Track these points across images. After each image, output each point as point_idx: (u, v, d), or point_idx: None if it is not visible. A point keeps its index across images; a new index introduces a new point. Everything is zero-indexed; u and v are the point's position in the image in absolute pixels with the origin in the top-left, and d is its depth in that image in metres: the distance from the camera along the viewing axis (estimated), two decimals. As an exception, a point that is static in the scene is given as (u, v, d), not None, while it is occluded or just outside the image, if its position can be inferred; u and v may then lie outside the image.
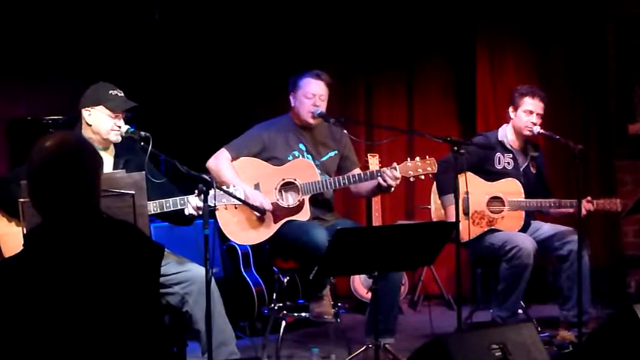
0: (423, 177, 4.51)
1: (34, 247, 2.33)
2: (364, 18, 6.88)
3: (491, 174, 5.14)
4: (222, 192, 3.79)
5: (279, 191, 4.60)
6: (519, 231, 5.07)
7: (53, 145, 2.39)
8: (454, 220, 4.26)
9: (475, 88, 6.84)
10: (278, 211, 4.56)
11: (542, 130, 5.12)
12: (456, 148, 4.25)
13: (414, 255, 3.93)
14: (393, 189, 4.54)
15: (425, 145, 6.06)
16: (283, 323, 4.74)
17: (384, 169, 4.50)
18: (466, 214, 4.45)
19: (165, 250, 2.68)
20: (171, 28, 6.54)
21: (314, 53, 6.78)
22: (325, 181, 4.62)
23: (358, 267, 4.09)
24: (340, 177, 4.64)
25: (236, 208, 4.39)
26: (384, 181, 4.47)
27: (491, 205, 5.09)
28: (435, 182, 5.11)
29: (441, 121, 6.93)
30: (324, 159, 4.79)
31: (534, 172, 5.29)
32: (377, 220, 5.96)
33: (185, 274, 3.89)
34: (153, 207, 3.86)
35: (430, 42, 6.93)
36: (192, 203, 3.87)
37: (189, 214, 3.91)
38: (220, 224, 4.53)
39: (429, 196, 5.23)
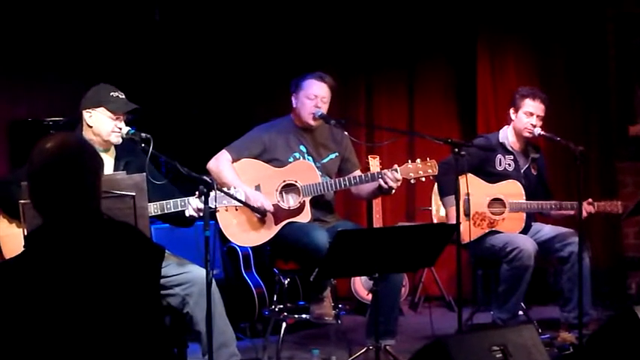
0: (423, 179, 4.51)
1: (34, 248, 2.33)
2: (364, 19, 6.88)
3: (492, 175, 5.14)
4: (222, 193, 3.79)
5: (280, 193, 4.60)
6: (520, 232, 5.07)
7: (54, 147, 2.39)
8: (455, 221, 4.25)
9: (476, 88, 6.83)
10: (279, 213, 4.56)
11: (542, 132, 5.12)
12: (456, 149, 4.25)
13: (415, 256, 3.93)
14: (393, 191, 4.54)
15: (425, 146, 6.05)
16: (284, 325, 4.74)
17: (385, 170, 4.50)
18: (467, 215, 4.44)
19: (166, 251, 2.69)
20: (172, 30, 6.54)
21: (314, 54, 6.78)
22: (326, 182, 4.62)
23: (359, 268, 4.09)
24: (341, 179, 4.64)
25: (237, 209, 4.40)
26: (385, 183, 4.47)
27: (492, 207, 5.09)
28: (435, 184, 5.11)
29: (441, 122, 6.93)
30: (324, 161, 4.79)
31: (535, 173, 5.29)
32: (378, 222, 5.97)
33: (186, 276, 3.89)
34: (153, 208, 3.86)
35: (431, 43, 6.93)
36: (192, 205, 3.87)
37: (190, 216, 3.91)
38: (221, 226, 4.53)
39: (430, 198, 5.23)
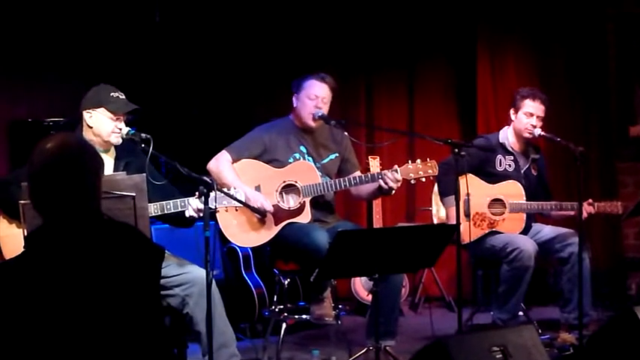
0: (423, 179, 4.51)
1: (34, 249, 2.33)
2: (364, 19, 6.88)
3: (492, 176, 5.14)
4: (222, 194, 3.79)
5: (280, 193, 4.60)
6: (520, 233, 5.07)
7: (54, 147, 2.39)
8: (455, 222, 4.25)
9: (476, 89, 6.83)
10: (279, 213, 4.56)
11: (543, 133, 5.12)
12: (456, 150, 4.25)
13: (415, 257, 3.93)
14: (394, 191, 4.54)
15: (426, 147, 6.06)
16: (284, 325, 4.73)
17: (385, 171, 4.50)
18: (467, 215, 4.44)
19: (166, 252, 2.69)
20: (172, 30, 6.54)
21: (314, 54, 6.78)
22: (326, 183, 4.62)
23: (359, 269, 4.09)
24: (341, 179, 4.64)
25: (237, 210, 4.40)
26: (385, 183, 4.47)
27: (493, 207, 5.09)
28: (436, 184, 5.11)
29: (441, 122, 6.93)
30: (325, 161, 4.79)
31: (535, 174, 5.29)
32: (378, 222, 5.97)
33: (186, 276, 3.89)
34: (154, 209, 3.86)
35: (431, 43, 6.93)
36: (192, 205, 3.87)
37: (190, 216, 3.91)
38: (221, 226, 4.53)
39: (430, 198, 5.23)
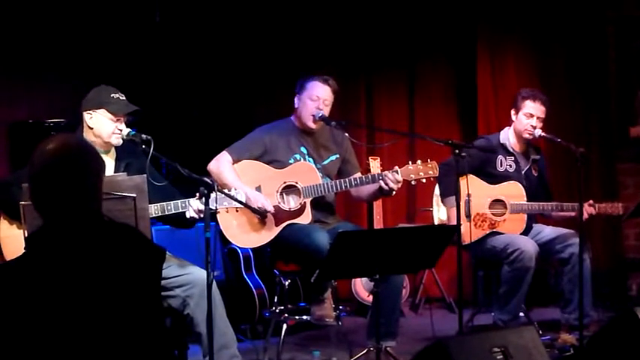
0: (424, 180, 4.51)
1: (35, 250, 2.32)
2: (365, 19, 6.88)
3: (493, 177, 5.14)
4: (223, 195, 3.79)
5: (281, 194, 4.60)
6: (521, 234, 5.07)
7: (55, 148, 2.39)
8: (456, 222, 4.25)
9: (476, 89, 6.83)
10: (279, 214, 4.56)
11: (543, 133, 5.12)
12: (457, 151, 4.25)
13: (416, 258, 3.93)
14: (394, 192, 4.54)
15: (426, 147, 6.06)
16: (284, 326, 4.74)
17: (386, 172, 4.50)
18: (468, 216, 4.44)
19: (167, 253, 2.68)
20: (172, 31, 6.54)
21: (314, 55, 6.78)
22: (327, 184, 4.62)
23: (359, 270, 4.09)
24: (342, 180, 4.64)
25: (237, 211, 4.41)
26: (386, 184, 4.47)
27: (493, 208, 5.09)
28: (436, 185, 5.11)
29: (441, 122, 6.93)
30: (325, 162, 4.79)
31: (536, 175, 5.29)
32: (378, 223, 5.97)
33: (186, 277, 3.89)
34: (154, 210, 3.86)
35: (431, 43, 6.93)
36: (193, 206, 3.87)
37: (191, 217, 3.91)
38: (222, 227, 4.53)
39: (431, 199, 5.23)
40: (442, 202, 5.09)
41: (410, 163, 4.49)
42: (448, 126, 6.93)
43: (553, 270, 6.00)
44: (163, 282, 3.56)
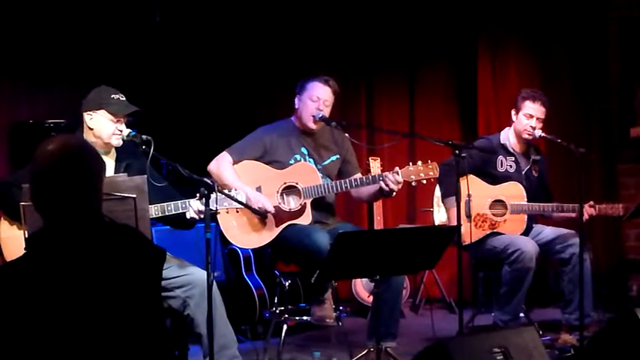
0: (424, 181, 4.51)
1: (35, 250, 2.33)
2: (366, 21, 6.89)
3: (493, 177, 5.14)
4: (223, 195, 3.79)
5: (281, 195, 4.60)
6: (521, 234, 5.07)
7: (56, 149, 2.39)
8: (456, 223, 4.25)
9: (476, 90, 6.83)
10: (280, 215, 4.56)
11: (543, 134, 5.12)
12: (457, 151, 4.25)
13: (416, 258, 3.93)
14: (394, 193, 4.54)
15: (427, 148, 6.06)
16: (285, 327, 4.73)
17: (386, 173, 4.49)
18: (468, 217, 4.44)
19: (167, 253, 2.68)
20: (173, 32, 6.55)
21: (315, 55, 6.79)
22: (327, 185, 4.62)
23: (360, 270, 4.09)
24: (342, 181, 4.64)
25: (238, 211, 4.41)
26: (386, 185, 4.47)
27: (494, 209, 5.09)
28: (437, 185, 5.11)
29: (442, 123, 6.93)
30: (326, 163, 4.79)
31: (536, 175, 5.29)
32: (379, 224, 5.97)
33: (187, 278, 3.89)
34: (154, 210, 3.86)
35: (431, 44, 6.93)
36: (193, 207, 3.87)
37: (191, 218, 3.91)
38: (222, 228, 4.53)
39: (431, 200, 5.23)
40: (442, 202, 5.09)
41: (410, 164, 4.49)
42: (448, 126, 6.93)
43: (553, 270, 6.00)
44: (164, 283, 3.55)
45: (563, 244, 5.07)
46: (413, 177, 4.46)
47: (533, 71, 6.74)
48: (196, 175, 3.64)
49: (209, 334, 3.57)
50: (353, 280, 6.15)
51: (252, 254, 5.57)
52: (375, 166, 4.82)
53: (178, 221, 4.00)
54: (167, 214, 3.91)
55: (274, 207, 4.52)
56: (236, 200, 3.85)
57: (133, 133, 3.93)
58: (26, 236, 3.24)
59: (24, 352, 2.22)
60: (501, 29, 6.80)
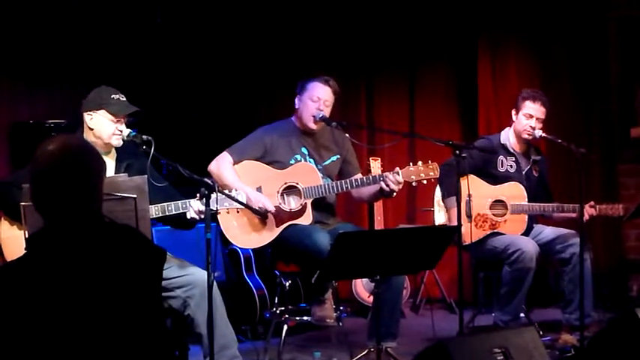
0: (425, 181, 4.51)
1: (36, 250, 2.33)
2: (365, 20, 6.89)
3: (493, 177, 5.14)
4: (224, 196, 3.79)
5: (282, 195, 4.60)
6: (522, 234, 5.07)
7: (56, 149, 2.39)
8: (457, 223, 4.25)
9: (477, 90, 6.83)
10: (280, 215, 4.56)
11: (543, 134, 5.12)
12: (457, 151, 4.25)
13: (416, 259, 3.93)
14: (395, 194, 4.54)
15: (427, 148, 6.06)
16: (285, 327, 4.73)
17: (387, 173, 4.49)
18: (469, 217, 4.45)
19: (167, 253, 2.68)
20: (173, 32, 6.55)
21: (315, 56, 6.79)
22: (328, 185, 4.62)
23: (360, 271, 4.09)
24: (343, 181, 4.64)
25: (238, 211, 4.41)
26: (387, 185, 4.47)
27: (494, 209, 5.09)
28: (437, 185, 5.11)
29: (442, 123, 6.93)
30: (326, 163, 4.79)
31: (536, 175, 5.29)
32: (379, 224, 5.97)
33: (187, 278, 3.89)
34: (155, 211, 3.86)
35: (431, 44, 6.93)
36: (194, 207, 3.87)
37: (191, 218, 3.91)
38: (222, 228, 4.53)
39: (432, 200, 5.22)
40: (443, 202, 5.09)
41: (411, 164, 4.49)
42: (449, 126, 6.92)
43: (553, 270, 6.00)
44: (164, 283, 3.55)
45: (564, 244, 5.07)
46: (413, 177, 4.46)
47: (533, 71, 6.74)
48: (197, 176, 3.64)
49: (209, 334, 3.57)
50: (353, 281, 6.15)
51: (252, 254, 5.57)
52: (376, 166, 4.82)
53: (179, 221, 4.00)
54: (167, 214, 3.90)
55: (275, 207, 4.51)
56: (236, 200, 3.85)
57: (134, 133, 3.93)
58: (26, 236, 3.25)
59: (24, 352, 2.22)
60: (501, 29, 6.80)
